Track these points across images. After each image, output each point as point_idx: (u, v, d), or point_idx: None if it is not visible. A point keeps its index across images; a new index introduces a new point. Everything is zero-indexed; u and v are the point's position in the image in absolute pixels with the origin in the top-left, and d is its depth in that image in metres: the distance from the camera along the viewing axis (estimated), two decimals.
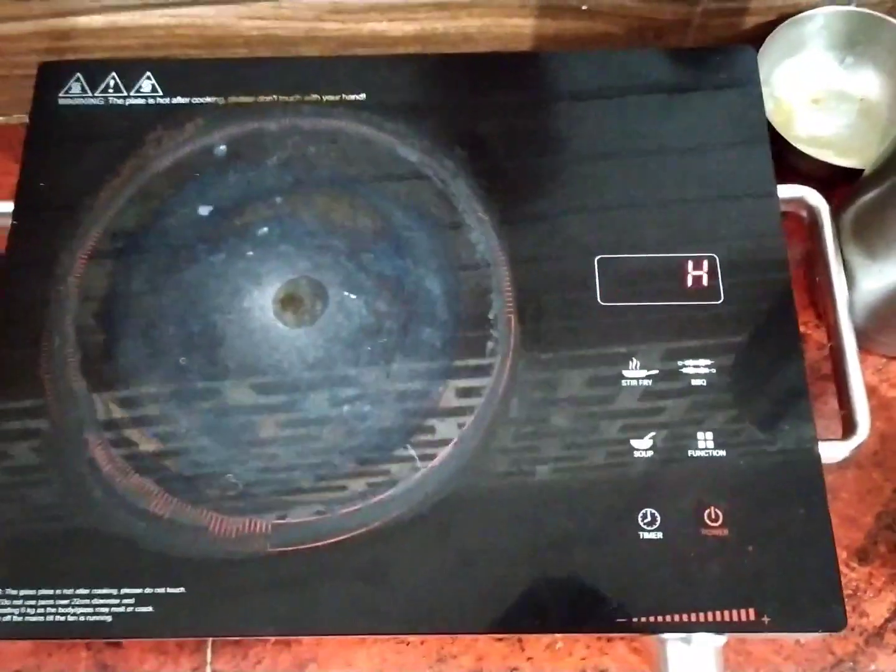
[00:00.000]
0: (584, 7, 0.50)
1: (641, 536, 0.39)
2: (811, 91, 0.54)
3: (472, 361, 0.42)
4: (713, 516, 0.39)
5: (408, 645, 0.44)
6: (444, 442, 0.41)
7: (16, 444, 0.41)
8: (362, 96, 0.47)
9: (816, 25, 0.52)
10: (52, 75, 0.48)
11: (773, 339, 0.42)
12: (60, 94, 0.48)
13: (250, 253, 0.44)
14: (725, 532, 0.38)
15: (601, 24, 0.51)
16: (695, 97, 0.48)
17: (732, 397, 0.41)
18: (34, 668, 0.44)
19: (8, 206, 0.46)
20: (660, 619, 0.38)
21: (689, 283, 0.43)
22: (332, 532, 0.39)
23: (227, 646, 0.44)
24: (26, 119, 0.54)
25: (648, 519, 0.39)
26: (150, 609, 0.38)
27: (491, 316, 0.43)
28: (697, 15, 0.51)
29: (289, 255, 0.44)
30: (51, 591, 0.38)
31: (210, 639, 0.44)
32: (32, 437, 0.41)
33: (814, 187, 0.47)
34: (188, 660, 0.44)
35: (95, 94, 0.48)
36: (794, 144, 0.49)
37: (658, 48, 0.52)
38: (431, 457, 0.40)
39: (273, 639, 0.44)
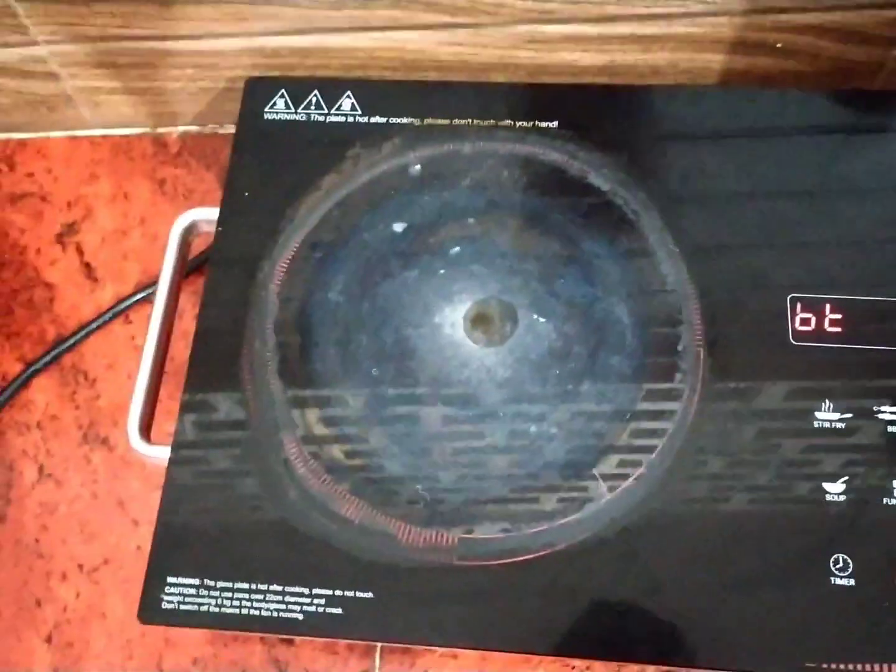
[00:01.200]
0: (778, 45, 0.50)
1: (833, 582, 0.38)
2: None
3: (661, 389, 0.42)
4: None
5: (573, 669, 0.44)
6: (631, 469, 0.41)
7: (218, 435, 0.43)
8: (555, 124, 0.48)
9: None
10: (258, 90, 0.51)
11: None
12: (266, 109, 0.50)
13: (442, 271, 0.45)
14: None
15: (792, 62, 0.51)
16: (888, 141, 0.47)
17: None
18: (211, 657, 0.46)
19: (212, 213, 0.49)
20: (850, 666, 0.37)
21: (885, 329, 0.43)
22: (517, 550, 0.40)
23: (396, 652, 0.45)
24: (220, 130, 0.57)
25: (840, 564, 0.38)
26: (339, 611, 0.39)
27: (680, 347, 0.43)
28: (892, 59, 0.51)
29: (480, 275, 0.45)
30: (246, 585, 0.40)
31: (379, 644, 0.45)
32: (234, 428, 0.43)
33: None
34: (357, 662, 0.45)
35: (298, 111, 0.50)
36: None
37: (853, 90, 0.51)
38: (618, 483, 0.41)
39: (440, 649, 0.44)
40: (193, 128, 0.58)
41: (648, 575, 0.39)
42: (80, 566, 0.48)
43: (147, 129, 0.58)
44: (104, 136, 0.58)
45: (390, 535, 0.41)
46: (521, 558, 0.40)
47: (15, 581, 0.48)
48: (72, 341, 0.52)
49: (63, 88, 0.54)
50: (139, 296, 0.53)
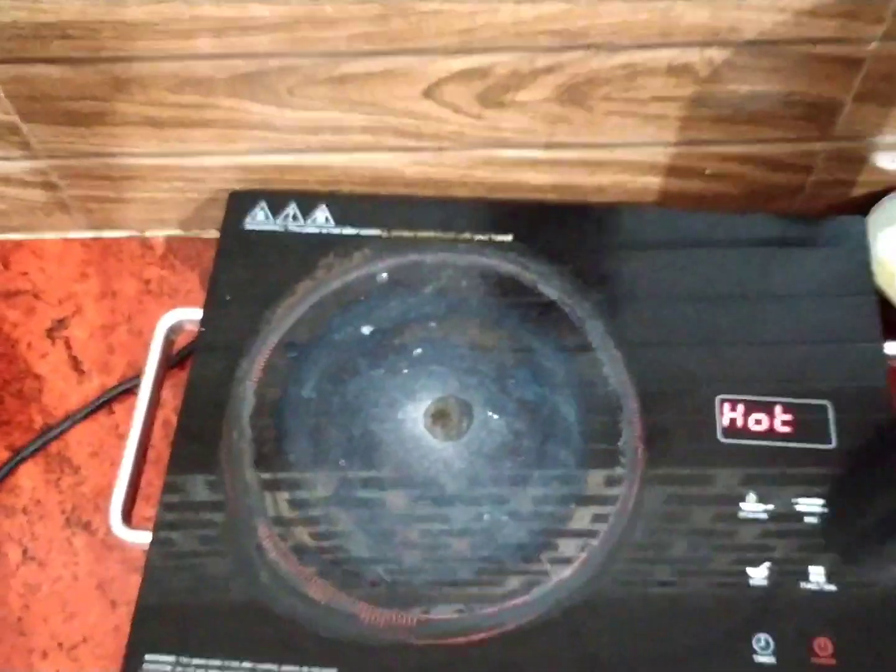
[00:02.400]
0: (707, 171, 0.56)
1: (755, 660, 0.42)
2: None
3: (603, 480, 0.47)
4: (824, 647, 0.42)
5: None
6: (576, 553, 0.45)
7: (197, 519, 0.46)
8: (509, 237, 0.54)
9: None
10: (240, 202, 0.56)
11: (882, 483, 0.46)
12: (247, 220, 0.55)
13: (406, 370, 0.50)
14: (835, 663, 0.42)
15: (720, 185, 0.58)
16: (808, 256, 0.53)
17: (842, 536, 0.45)
18: None
19: (195, 313, 0.53)
20: None
21: (803, 426, 0.48)
22: (471, 630, 0.43)
23: None
24: (203, 234, 0.62)
25: (763, 643, 0.42)
26: None
27: (621, 442, 0.48)
28: (809, 184, 0.57)
29: (440, 374, 0.50)
30: (220, 662, 0.43)
31: None
32: (211, 513, 0.46)
33: None
34: None
35: (277, 221, 0.55)
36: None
37: (774, 213, 0.57)
38: (563, 566, 0.45)
39: None
40: (178, 232, 0.62)
41: (589, 654, 0.43)
42: (60, 644, 0.50)
43: (135, 233, 0.63)
44: (95, 239, 0.63)
45: (354, 615, 0.44)
46: (474, 638, 0.43)
47: None
48: (58, 430, 0.56)
49: (60, 197, 0.59)
50: (123, 387, 0.57)
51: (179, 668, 0.43)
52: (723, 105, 0.52)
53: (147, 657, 0.43)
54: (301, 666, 0.43)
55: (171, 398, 0.56)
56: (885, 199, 0.57)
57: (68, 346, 0.59)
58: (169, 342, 0.54)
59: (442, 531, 0.46)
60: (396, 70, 0.49)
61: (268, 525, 0.46)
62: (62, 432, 0.56)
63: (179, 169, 0.57)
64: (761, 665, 0.42)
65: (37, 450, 0.55)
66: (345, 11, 0.46)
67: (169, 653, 0.43)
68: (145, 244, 0.63)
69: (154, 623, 0.44)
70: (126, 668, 0.43)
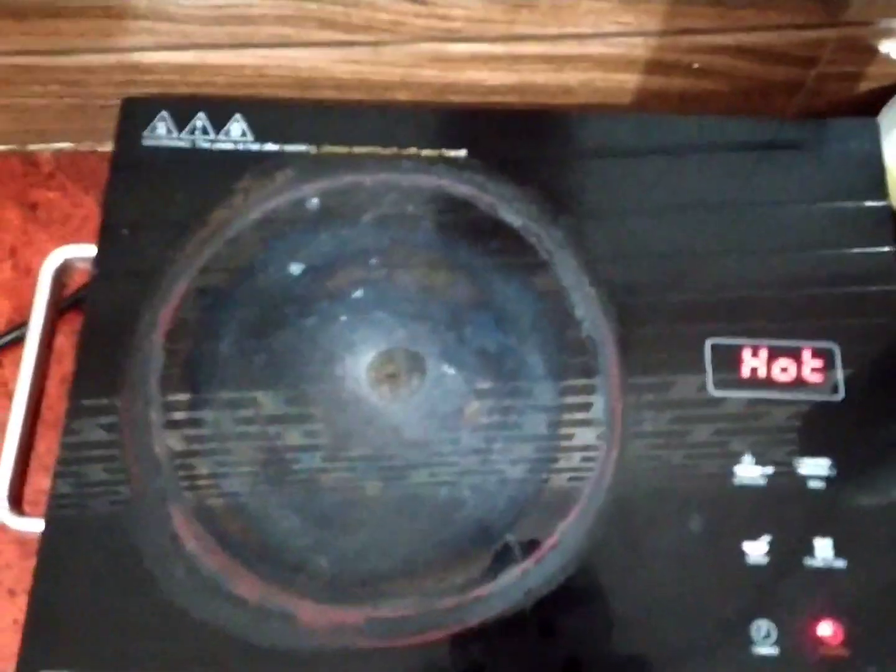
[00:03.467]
0: (695, 66, 0.48)
1: (754, 651, 0.37)
2: None
3: (577, 447, 0.40)
4: (833, 634, 0.37)
5: None
6: (546, 535, 0.38)
7: (97, 506, 0.39)
8: (462, 153, 0.45)
9: None
10: (135, 111, 0.46)
11: None
12: (144, 133, 0.45)
13: (343, 318, 0.42)
14: (846, 652, 0.36)
15: (708, 82, 0.49)
16: (810, 163, 0.46)
17: (852, 502, 0.39)
18: None
19: (88, 250, 0.44)
20: None
21: (807, 374, 0.41)
22: (428, 628, 0.37)
23: None
24: (99, 147, 0.52)
25: (763, 632, 0.37)
26: None
27: (595, 400, 0.41)
28: (811, 78, 0.49)
29: (385, 322, 0.42)
30: None
31: None
32: (114, 505, 0.39)
33: None
34: None
35: (181, 136, 0.45)
36: None
37: (770, 115, 0.49)
38: (534, 550, 0.38)
39: None
40: (67, 145, 0.52)
41: (567, 652, 0.37)
42: None
43: (14, 146, 0.52)
44: None
45: (290, 616, 0.37)
46: (431, 637, 0.37)
47: None
48: None
49: None
50: (10, 336, 0.48)
51: None
52: None
53: None
54: None
55: (70, 348, 0.47)
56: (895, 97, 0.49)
57: None
58: (60, 283, 0.45)
59: (392, 510, 0.39)
60: None
61: (184, 510, 0.39)
62: None
63: (53, 69, 0.46)
64: (762, 657, 0.37)
65: None
66: None
67: (68, 667, 0.36)
68: (29, 160, 0.52)
69: (49, 632, 0.37)
70: None
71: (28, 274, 0.50)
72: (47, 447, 0.44)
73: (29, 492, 0.43)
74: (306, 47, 0.45)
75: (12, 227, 0.51)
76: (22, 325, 0.48)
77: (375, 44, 0.45)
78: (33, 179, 0.52)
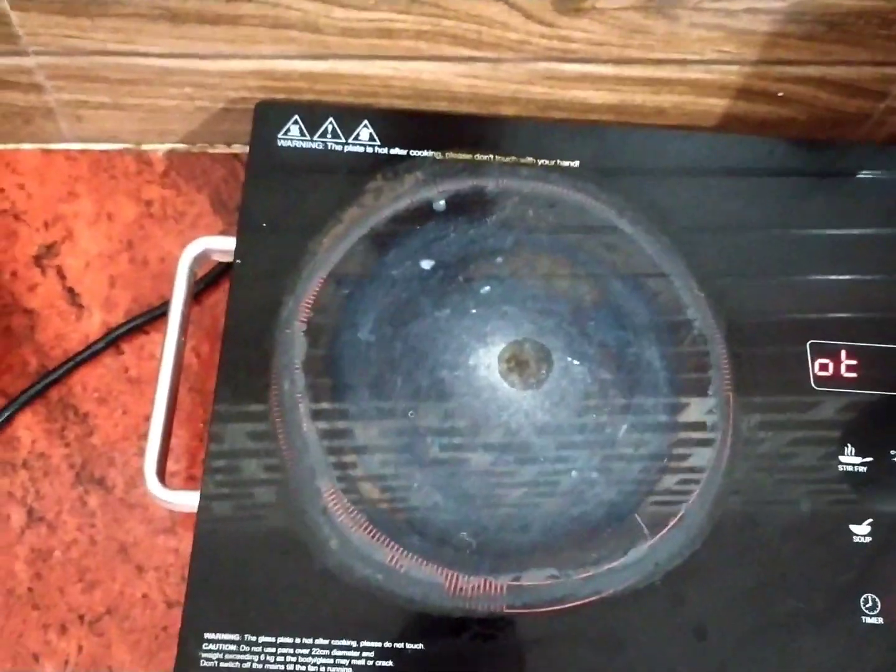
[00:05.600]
0: (780, 94, 0.52)
1: (864, 621, 0.40)
2: None
3: (695, 433, 0.43)
4: None
5: None
6: (672, 513, 0.42)
7: (251, 482, 0.41)
8: (576, 163, 0.49)
9: None
10: (269, 115, 0.49)
11: None
12: (280, 135, 0.48)
13: (474, 311, 0.45)
14: None
15: (789, 110, 0.53)
16: (886, 187, 0.50)
17: None
18: None
19: (223, 242, 0.47)
20: None
21: None
22: (566, 597, 0.40)
23: None
24: (210, 149, 0.55)
25: (870, 604, 0.40)
26: (390, 663, 0.38)
27: (710, 392, 0.44)
28: (879, 111, 0.54)
29: (512, 315, 0.45)
30: (290, 640, 0.39)
31: None
32: (267, 474, 0.41)
33: None
34: None
35: (314, 139, 0.48)
36: None
37: (842, 142, 0.54)
38: (660, 527, 0.41)
39: None
40: (180, 146, 0.55)
41: (692, 620, 0.40)
42: (81, 617, 0.45)
43: (129, 145, 0.55)
44: (82, 151, 0.54)
45: (437, 584, 0.40)
46: (569, 605, 0.40)
47: (9, 635, 0.44)
48: (59, 373, 0.49)
49: (45, 101, 0.51)
50: (134, 323, 0.50)
51: (245, 647, 0.38)
52: (817, 21, 0.47)
53: (207, 635, 0.38)
54: (382, 642, 0.39)
55: (189, 337, 0.49)
56: None
57: (62, 277, 0.51)
58: (194, 273, 0.47)
59: (527, 489, 0.42)
60: None
61: (333, 485, 0.41)
62: (63, 375, 0.49)
63: (194, 73, 0.49)
64: (870, 626, 0.40)
65: (35, 396, 0.48)
66: None
67: (232, 631, 0.39)
68: (142, 159, 0.55)
69: (211, 596, 0.39)
70: (182, 647, 0.38)
71: (145, 267, 0.52)
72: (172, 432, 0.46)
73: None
74: (433, 61, 0.49)
75: (128, 223, 0.53)
76: (142, 314, 0.50)
77: (497, 60, 0.49)
78: (148, 177, 0.54)
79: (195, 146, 0.55)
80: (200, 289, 0.51)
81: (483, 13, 0.46)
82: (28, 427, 0.48)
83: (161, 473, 0.43)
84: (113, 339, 0.50)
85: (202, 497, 0.41)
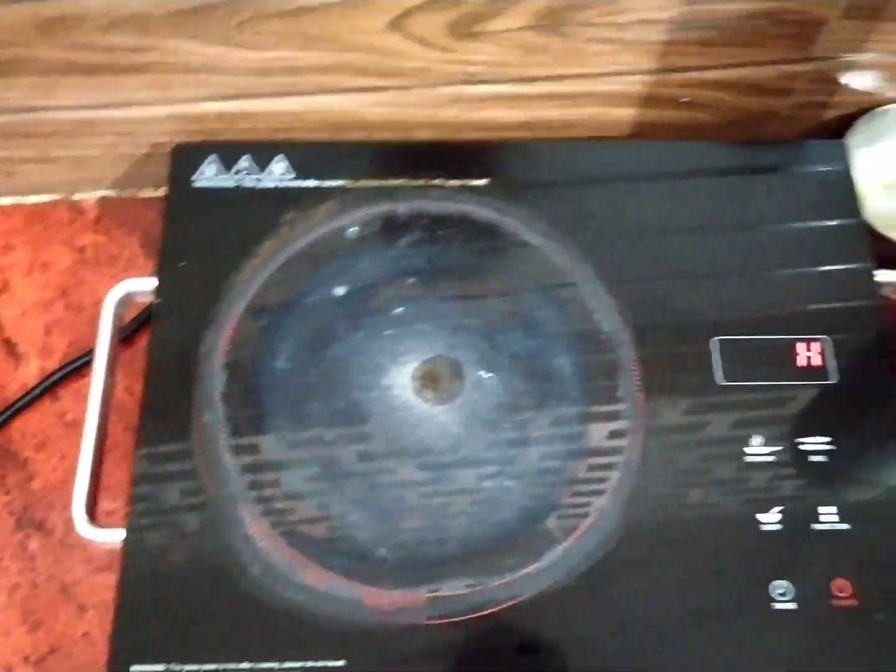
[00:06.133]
0: (685, 99, 0.53)
1: (774, 607, 0.41)
2: (883, 177, 0.58)
3: (605, 438, 0.44)
4: (843, 588, 0.41)
5: None
6: (583, 515, 0.43)
7: (174, 513, 0.42)
8: (484, 182, 0.50)
9: (893, 118, 0.56)
10: (186, 157, 0.50)
11: (886, 414, 0.45)
12: (195, 176, 0.50)
13: (388, 332, 0.46)
14: (856, 603, 0.41)
15: (696, 114, 0.55)
16: (790, 182, 0.51)
17: (850, 472, 0.44)
18: None
19: (146, 283, 0.48)
20: None
21: (803, 363, 0.46)
22: (484, 604, 0.41)
23: None
24: (140, 193, 0.57)
25: (781, 590, 0.41)
26: None
27: (620, 394, 0.45)
28: (786, 107, 0.55)
29: (425, 334, 0.46)
30: (215, 666, 0.39)
31: None
32: (190, 511, 0.42)
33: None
34: None
35: (229, 176, 0.50)
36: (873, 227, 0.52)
37: (756, 140, 0.55)
38: (573, 530, 0.42)
39: None
40: (111, 192, 0.56)
41: (608, 617, 0.41)
42: (27, 658, 0.46)
43: (62, 196, 0.56)
44: (15, 205, 0.56)
45: (357, 601, 0.41)
46: (488, 612, 0.41)
47: None
48: None
49: None
50: (69, 369, 0.51)
51: None
52: (708, 27, 0.48)
53: (133, 668, 0.39)
54: (305, 661, 0.40)
55: (122, 377, 0.51)
56: (860, 120, 0.55)
57: None
58: (119, 316, 0.49)
59: (443, 502, 0.43)
60: (358, 0, 0.44)
61: (253, 512, 0.42)
62: (2, 424, 0.50)
63: (113, 122, 0.50)
64: (781, 612, 0.41)
65: None
66: None
67: (158, 661, 0.40)
68: (75, 208, 0.56)
69: (137, 629, 0.40)
70: None
71: (80, 312, 0.54)
72: (106, 471, 0.47)
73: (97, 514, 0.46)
74: (342, 93, 0.50)
75: (63, 270, 0.55)
76: (78, 358, 0.52)
77: (404, 88, 0.50)
78: (81, 225, 0.56)
79: (125, 191, 0.57)
80: (133, 329, 0.52)
81: (381, 44, 0.48)
82: None
83: (91, 513, 0.44)
84: (49, 386, 0.51)
85: (127, 531, 0.42)
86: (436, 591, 0.41)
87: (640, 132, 0.56)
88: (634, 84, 0.52)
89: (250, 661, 0.40)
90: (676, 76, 0.52)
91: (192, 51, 0.46)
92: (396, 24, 0.46)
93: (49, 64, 0.47)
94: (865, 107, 0.56)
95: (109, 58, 0.46)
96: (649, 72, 0.51)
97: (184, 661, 0.40)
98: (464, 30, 0.47)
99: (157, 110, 0.50)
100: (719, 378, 0.46)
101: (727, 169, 0.52)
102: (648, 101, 0.53)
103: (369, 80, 0.49)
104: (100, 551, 0.47)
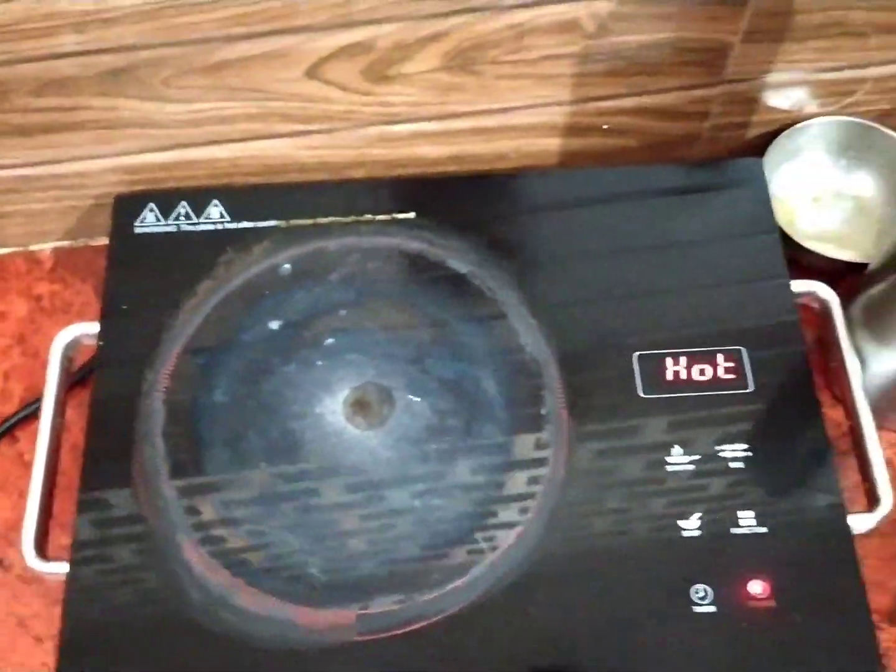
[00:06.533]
0: (605, 126, 0.56)
1: (695, 611, 0.42)
2: (811, 191, 0.60)
3: (530, 454, 0.46)
4: (761, 589, 0.42)
5: None
6: (509, 529, 0.44)
7: (115, 548, 0.44)
8: (412, 215, 0.52)
9: (813, 134, 0.58)
10: (126, 206, 0.53)
11: (801, 420, 0.47)
12: (136, 223, 0.52)
13: (320, 362, 0.48)
14: (773, 604, 0.42)
15: (620, 139, 0.57)
16: (710, 201, 0.53)
17: (767, 477, 0.45)
18: None
19: (93, 327, 0.51)
20: None
21: (721, 374, 0.48)
22: (413, 619, 0.42)
23: None
24: (92, 242, 0.59)
25: (701, 594, 0.43)
26: None
27: (544, 411, 0.47)
28: (706, 129, 0.57)
29: (356, 362, 0.48)
30: None
31: None
32: (131, 541, 0.44)
33: (818, 280, 0.52)
34: None
35: (168, 222, 0.52)
36: (797, 241, 0.54)
37: (675, 162, 0.57)
38: (498, 543, 0.44)
39: None
40: (65, 243, 0.59)
41: (534, 628, 0.42)
42: None
43: (18, 248, 0.59)
44: None
45: (290, 621, 0.43)
46: (417, 626, 0.42)
47: None
48: None
49: None
50: (24, 413, 0.54)
51: None
52: (614, 58, 0.51)
53: None
54: None
55: (78, 419, 0.53)
56: (779, 138, 0.57)
57: None
58: (68, 360, 0.51)
59: (373, 522, 0.45)
60: (275, 52, 0.47)
61: (191, 539, 0.44)
62: None
63: (55, 177, 0.53)
64: (701, 615, 0.42)
65: None
66: None
67: None
68: (31, 259, 0.59)
69: (81, 657, 0.42)
70: None
71: (36, 358, 0.56)
72: (61, 508, 0.49)
73: (52, 548, 0.48)
74: (272, 139, 0.53)
75: (20, 318, 0.57)
76: (35, 401, 0.54)
77: (330, 131, 0.53)
78: (37, 275, 0.59)
79: (77, 241, 0.59)
80: (87, 373, 0.54)
81: (302, 91, 0.50)
82: None
83: (40, 547, 0.46)
84: (7, 428, 0.54)
85: (71, 559, 0.44)
86: (365, 608, 0.43)
87: (569, 159, 0.58)
88: (554, 115, 0.54)
89: None
90: (592, 105, 0.54)
91: (123, 107, 0.49)
92: (312, 72, 0.49)
93: None
94: (787, 123, 0.58)
95: (44, 118, 0.49)
96: (566, 103, 0.54)
97: None
98: (378, 74, 0.50)
99: (97, 164, 0.53)
100: (641, 391, 0.47)
101: (650, 192, 0.54)
102: (571, 130, 0.56)
103: (296, 124, 0.52)
104: (57, 585, 0.49)
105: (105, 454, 0.46)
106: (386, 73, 0.50)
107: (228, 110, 0.51)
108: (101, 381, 0.48)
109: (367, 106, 0.52)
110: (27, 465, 0.53)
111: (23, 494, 0.52)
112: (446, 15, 0.48)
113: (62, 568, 0.45)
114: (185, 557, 0.44)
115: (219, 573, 0.44)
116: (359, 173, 0.57)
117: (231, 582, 0.43)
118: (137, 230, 0.52)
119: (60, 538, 0.49)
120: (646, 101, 0.55)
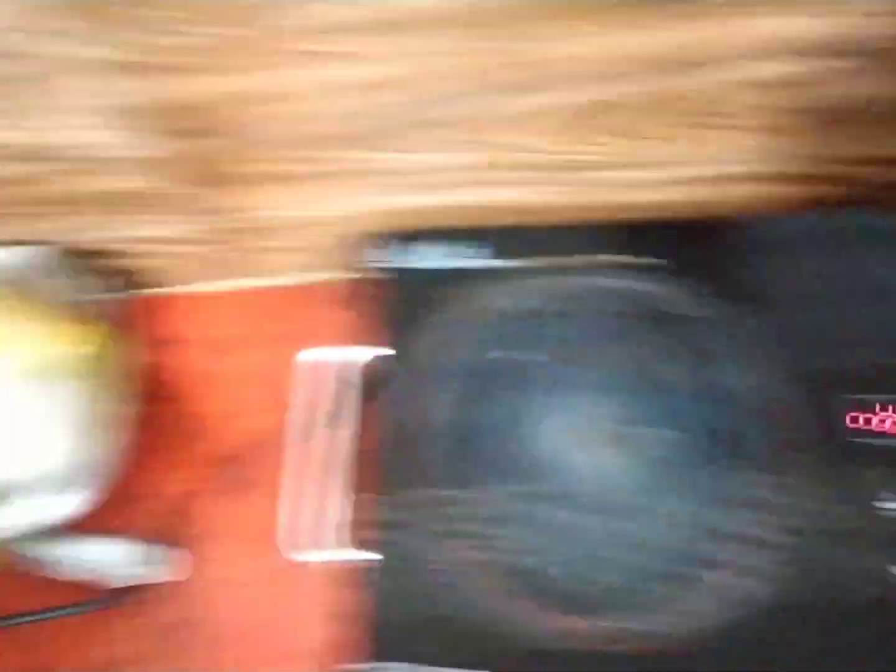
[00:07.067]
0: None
1: None
2: None
3: (755, 491, 0.50)
4: None
5: None
6: (741, 564, 0.48)
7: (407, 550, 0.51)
8: (652, 260, 0.57)
9: None
10: (399, 243, 0.60)
11: None
12: (404, 259, 0.59)
13: (575, 395, 0.54)
14: None
15: (839, 188, 0.60)
16: None
17: None
18: None
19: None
20: None
21: None
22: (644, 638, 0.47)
23: None
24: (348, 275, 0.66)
25: None
26: None
27: (761, 449, 0.51)
28: None
29: (592, 395, 0.54)
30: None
31: None
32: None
33: None
34: None
35: (435, 258, 0.59)
36: None
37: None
38: (733, 576, 0.48)
39: None
40: (321, 275, 0.66)
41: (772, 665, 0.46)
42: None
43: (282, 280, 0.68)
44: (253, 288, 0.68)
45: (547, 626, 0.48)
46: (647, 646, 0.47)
47: None
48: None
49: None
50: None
51: None
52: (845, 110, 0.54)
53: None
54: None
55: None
56: None
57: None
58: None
59: (612, 543, 0.50)
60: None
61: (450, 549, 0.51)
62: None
63: (313, 219, 0.62)
64: None
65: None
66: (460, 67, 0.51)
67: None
68: (290, 290, 0.67)
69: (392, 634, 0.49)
70: None
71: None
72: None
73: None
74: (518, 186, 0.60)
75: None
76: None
77: (564, 179, 0.59)
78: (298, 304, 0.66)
79: (330, 273, 0.66)
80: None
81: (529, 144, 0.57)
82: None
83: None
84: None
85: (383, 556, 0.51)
86: (600, 620, 0.48)
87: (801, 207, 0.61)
88: (791, 165, 0.58)
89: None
90: (824, 153, 0.57)
91: (371, 158, 0.57)
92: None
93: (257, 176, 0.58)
94: None
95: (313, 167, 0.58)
96: (802, 155, 0.57)
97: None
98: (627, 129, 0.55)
99: (354, 206, 0.61)
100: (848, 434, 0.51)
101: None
102: (806, 179, 0.59)
103: (544, 172, 0.59)
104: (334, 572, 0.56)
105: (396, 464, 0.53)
106: (637, 128, 0.55)
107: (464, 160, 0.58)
108: (389, 396, 0.55)
109: (608, 156, 0.57)
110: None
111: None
112: (689, 68, 0.52)
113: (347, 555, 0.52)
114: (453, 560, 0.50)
115: (475, 578, 0.50)
116: (597, 215, 0.62)
117: (490, 586, 0.49)
118: (408, 265, 0.59)
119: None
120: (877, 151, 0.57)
